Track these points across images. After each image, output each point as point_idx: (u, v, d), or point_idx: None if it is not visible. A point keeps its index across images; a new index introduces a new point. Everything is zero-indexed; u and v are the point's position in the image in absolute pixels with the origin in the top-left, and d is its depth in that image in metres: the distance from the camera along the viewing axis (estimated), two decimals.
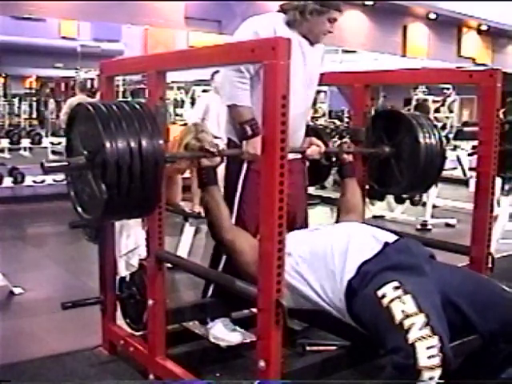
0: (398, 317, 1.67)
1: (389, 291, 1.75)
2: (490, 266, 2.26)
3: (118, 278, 2.48)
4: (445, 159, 2.55)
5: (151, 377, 2.25)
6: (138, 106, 1.78)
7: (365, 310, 1.83)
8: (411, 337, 1.61)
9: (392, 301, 1.72)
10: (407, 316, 1.66)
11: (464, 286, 1.91)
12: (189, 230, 3.90)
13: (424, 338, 1.60)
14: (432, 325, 1.63)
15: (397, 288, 1.75)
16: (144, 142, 1.69)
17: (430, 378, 1.58)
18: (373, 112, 2.76)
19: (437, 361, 1.58)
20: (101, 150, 1.66)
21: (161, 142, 1.73)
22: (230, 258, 2.23)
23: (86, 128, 1.78)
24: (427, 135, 2.47)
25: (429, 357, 1.58)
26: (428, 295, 1.77)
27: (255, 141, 2.14)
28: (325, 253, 2.00)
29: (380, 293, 1.76)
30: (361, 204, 2.54)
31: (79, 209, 1.85)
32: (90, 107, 1.75)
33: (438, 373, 1.59)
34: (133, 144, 1.67)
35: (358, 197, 2.52)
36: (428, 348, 1.59)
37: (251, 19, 2.39)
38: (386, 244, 2.00)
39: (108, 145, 1.64)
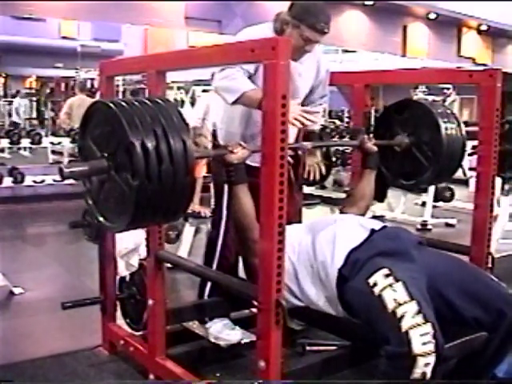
0: (391, 305, 1.69)
1: (380, 279, 1.76)
2: (489, 265, 2.27)
3: (118, 277, 2.48)
4: (465, 142, 2.49)
5: (151, 377, 2.26)
6: (160, 101, 1.68)
7: (356, 299, 1.84)
8: (404, 325, 1.63)
9: (384, 289, 1.73)
10: (399, 304, 1.67)
11: (451, 273, 1.93)
12: (189, 230, 3.90)
13: (418, 325, 1.62)
14: (424, 312, 1.65)
15: (387, 275, 1.75)
16: (171, 138, 1.56)
17: (426, 365, 1.60)
18: (372, 112, 2.76)
19: (431, 347, 1.60)
20: (124, 146, 1.55)
21: (188, 136, 1.62)
22: (247, 261, 2.13)
23: (105, 128, 1.66)
24: (445, 119, 2.44)
25: (423, 343, 1.60)
26: (417, 282, 1.78)
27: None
28: (313, 246, 2.00)
29: (371, 281, 1.77)
30: (370, 197, 2.46)
31: (101, 218, 1.72)
32: (111, 104, 1.62)
33: (432, 359, 1.60)
34: (162, 144, 1.55)
35: (370, 190, 2.45)
36: (422, 335, 1.61)
37: (245, 30, 2.38)
38: (373, 231, 2.00)
39: (136, 141, 1.52)
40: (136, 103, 1.63)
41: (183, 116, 1.65)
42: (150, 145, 1.54)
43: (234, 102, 2.24)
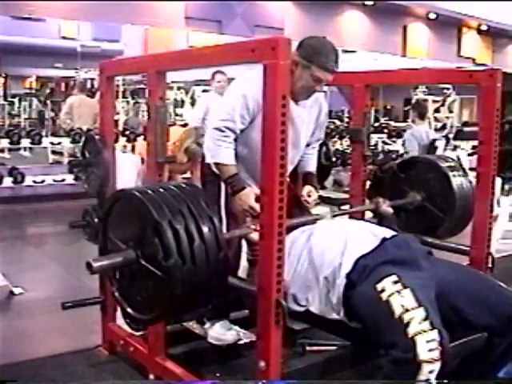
0: (398, 311, 1.69)
1: (388, 285, 1.76)
2: (490, 266, 2.26)
3: None
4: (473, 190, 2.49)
5: (151, 377, 2.25)
6: (185, 185, 1.68)
7: (363, 304, 1.83)
8: (411, 331, 1.63)
9: (391, 295, 1.73)
10: (406, 310, 1.67)
11: (460, 282, 1.93)
12: None
13: (424, 331, 1.62)
14: (431, 319, 1.65)
15: (396, 282, 1.76)
16: (199, 217, 1.56)
17: (430, 372, 1.60)
18: (372, 112, 2.77)
19: (436, 354, 1.60)
20: (151, 229, 1.53)
21: (215, 215, 1.62)
22: None
23: (127, 218, 1.65)
24: (454, 171, 2.51)
25: (429, 350, 1.60)
26: (425, 290, 1.79)
27: (242, 193, 2.19)
28: (323, 254, 2.00)
29: (379, 286, 1.77)
30: None
31: (130, 310, 1.68)
32: (134, 192, 1.62)
33: (437, 366, 1.60)
34: (190, 223, 1.54)
35: None
36: (428, 341, 1.61)
37: (240, 81, 2.33)
38: (384, 239, 2.01)
39: (163, 221, 1.51)
40: (160, 189, 1.63)
41: (207, 197, 1.66)
42: (178, 224, 1.52)
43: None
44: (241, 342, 2.45)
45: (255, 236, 1.89)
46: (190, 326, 2.59)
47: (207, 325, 2.52)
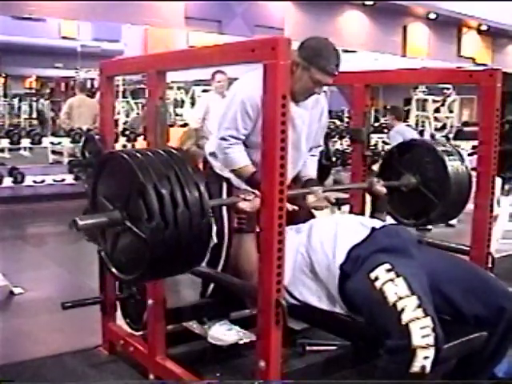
0: (392, 299, 1.70)
1: (381, 274, 1.78)
2: (490, 266, 2.27)
3: None
4: (471, 174, 2.49)
5: (151, 377, 2.26)
6: (175, 151, 1.69)
7: (358, 294, 1.85)
8: (405, 318, 1.65)
9: (385, 283, 1.75)
10: (400, 298, 1.69)
11: (450, 271, 1.95)
12: None
13: (417, 318, 1.64)
14: (424, 306, 1.67)
15: (389, 270, 1.77)
16: (185, 183, 1.56)
17: (425, 358, 1.61)
18: (372, 112, 2.76)
19: (431, 340, 1.61)
20: (136, 191, 1.55)
21: (202, 182, 1.61)
22: None
23: (116, 179, 1.67)
24: (450, 156, 2.48)
25: (423, 336, 1.62)
26: (418, 278, 1.80)
27: None
28: (315, 247, 2.01)
29: (373, 275, 1.79)
30: None
31: (114, 270, 1.71)
32: (122, 154, 1.63)
33: (432, 352, 1.61)
34: (176, 188, 1.55)
35: None
36: (421, 328, 1.63)
37: (237, 86, 2.33)
38: (374, 229, 2.02)
39: (148, 184, 1.52)
40: (148, 153, 1.64)
41: (197, 169, 1.69)
42: (163, 189, 1.54)
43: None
44: (241, 342, 2.46)
45: (243, 205, 1.90)
46: (189, 325, 2.60)
47: (207, 325, 2.52)
